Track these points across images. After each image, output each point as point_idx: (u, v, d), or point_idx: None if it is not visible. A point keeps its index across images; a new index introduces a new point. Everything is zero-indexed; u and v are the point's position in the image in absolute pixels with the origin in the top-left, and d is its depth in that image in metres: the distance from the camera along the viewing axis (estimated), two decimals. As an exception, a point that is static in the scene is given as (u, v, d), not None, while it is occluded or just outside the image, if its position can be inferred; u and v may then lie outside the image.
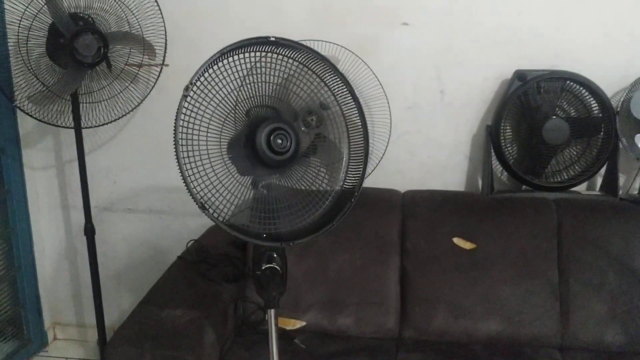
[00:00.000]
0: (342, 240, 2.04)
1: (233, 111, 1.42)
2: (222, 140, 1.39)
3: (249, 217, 1.43)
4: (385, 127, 2.21)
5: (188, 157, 1.29)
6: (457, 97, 2.22)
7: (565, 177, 2.16)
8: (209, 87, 1.35)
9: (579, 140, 2.14)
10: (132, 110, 2.29)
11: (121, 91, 2.23)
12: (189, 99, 1.30)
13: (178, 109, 1.29)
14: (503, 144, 2.13)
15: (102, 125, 2.26)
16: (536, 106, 2.08)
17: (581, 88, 2.09)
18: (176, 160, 1.29)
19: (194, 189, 1.31)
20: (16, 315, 2.55)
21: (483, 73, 2.18)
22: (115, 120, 2.26)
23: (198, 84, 1.32)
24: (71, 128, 2.18)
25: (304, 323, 1.99)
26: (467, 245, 2.00)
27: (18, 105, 2.16)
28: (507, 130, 2.16)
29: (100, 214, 2.54)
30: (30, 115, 2.14)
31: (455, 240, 2.01)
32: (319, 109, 1.70)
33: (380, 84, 2.16)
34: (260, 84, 1.46)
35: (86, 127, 2.21)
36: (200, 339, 1.68)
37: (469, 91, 2.21)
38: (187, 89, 1.31)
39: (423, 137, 2.28)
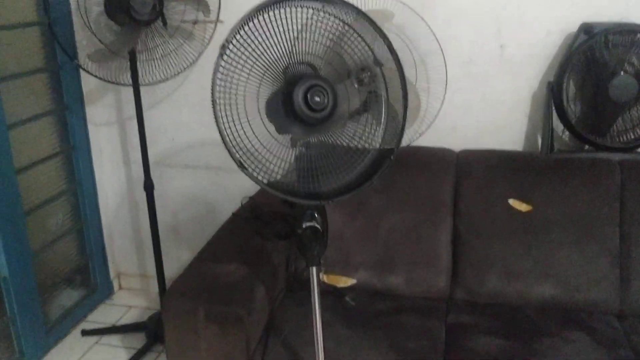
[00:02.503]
0: (394, 201, 2.03)
1: (270, 69, 1.41)
2: (259, 98, 1.39)
3: (295, 177, 1.44)
4: (441, 84, 2.15)
5: (226, 115, 1.29)
6: (517, 52, 2.12)
7: (632, 137, 2.04)
8: (245, 44, 1.32)
9: (648, 99, 2.02)
10: (188, 67, 2.31)
11: (177, 48, 2.25)
12: (225, 57, 1.29)
13: (215, 67, 1.28)
14: (565, 101, 2.03)
15: (159, 82, 2.30)
16: (603, 61, 1.96)
17: (653, 42, 1.96)
18: (214, 120, 1.29)
19: (232, 148, 1.32)
20: (84, 264, 2.69)
21: (546, 26, 2.07)
22: (172, 77, 2.30)
23: (234, 41, 1.30)
24: (130, 85, 2.23)
25: (354, 281, 2.00)
26: (523, 207, 1.94)
27: (80, 64, 2.21)
28: (570, 87, 2.05)
29: (159, 168, 2.62)
30: (91, 74, 2.20)
31: (511, 201, 1.95)
32: (373, 66, 1.67)
33: (437, 38, 2.09)
34: (307, 41, 1.44)
35: (144, 85, 2.25)
36: (252, 294, 1.72)
37: (530, 46, 2.10)
38: (223, 46, 1.29)
39: (479, 95, 2.20)
